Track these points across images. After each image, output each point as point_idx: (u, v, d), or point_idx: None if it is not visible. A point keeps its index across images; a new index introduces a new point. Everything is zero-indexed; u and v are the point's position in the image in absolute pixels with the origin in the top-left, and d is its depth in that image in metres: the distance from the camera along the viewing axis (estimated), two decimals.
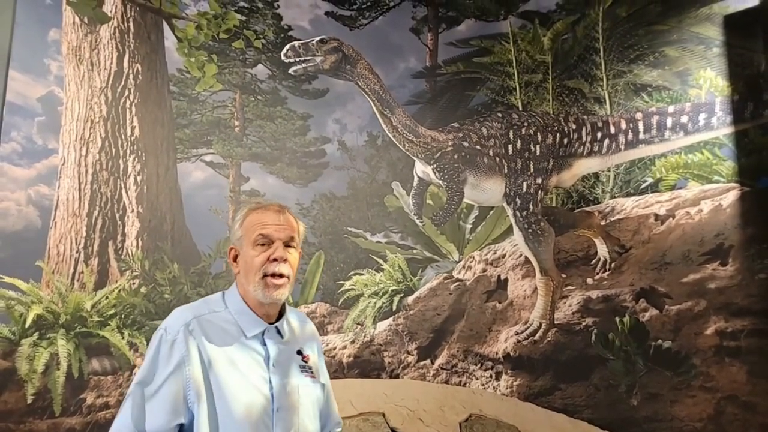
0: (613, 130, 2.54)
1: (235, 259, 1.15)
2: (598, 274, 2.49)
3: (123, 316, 2.63)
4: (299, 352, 1.16)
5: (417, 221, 2.85)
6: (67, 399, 2.46)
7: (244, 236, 1.13)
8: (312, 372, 1.17)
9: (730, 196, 2.25)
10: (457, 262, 2.89)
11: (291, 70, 2.61)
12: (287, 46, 2.58)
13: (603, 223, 2.53)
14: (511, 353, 2.50)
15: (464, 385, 2.59)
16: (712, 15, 2.38)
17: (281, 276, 1.09)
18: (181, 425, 1.00)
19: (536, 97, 2.80)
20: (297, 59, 2.57)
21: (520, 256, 2.67)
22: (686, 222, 2.32)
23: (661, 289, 2.30)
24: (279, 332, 1.14)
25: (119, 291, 2.66)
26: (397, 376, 2.73)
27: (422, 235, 2.92)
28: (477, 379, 2.58)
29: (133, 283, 2.71)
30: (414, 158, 2.73)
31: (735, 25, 2.34)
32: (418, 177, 2.81)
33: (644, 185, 2.48)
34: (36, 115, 2.68)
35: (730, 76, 2.31)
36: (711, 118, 2.33)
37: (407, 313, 2.80)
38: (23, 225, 2.60)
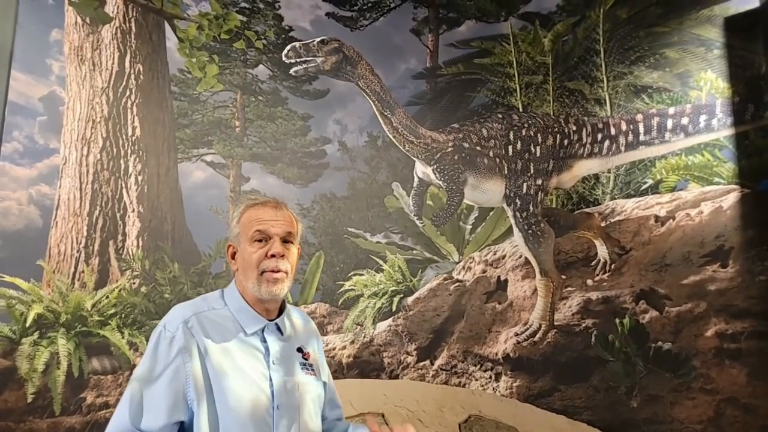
0: (613, 131, 2.54)
1: (233, 257, 1.15)
2: (598, 275, 2.49)
3: (123, 315, 2.63)
4: (300, 350, 1.15)
5: (417, 222, 2.85)
6: (67, 398, 2.46)
7: (241, 233, 1.12)
8: (313, 369, 1.16)
9: (731, 198, 2.25)
10: (457, 263, 2.89)
11: (292, 71, 2.61)
12: (288, 47, 2.59)
13: (603, 224, 2.52)
14: (511, 354, 2.50)
15: (464, 386, 2.59)
16: (713, 17, 2.37)
17: (279, 271, 1.08)
18: (182, 423, 0.99)
19: (536, 99, 2.81)
20: (298, 60, 2.58)
21: (520, 257, 2.67)
22: (686, 223, 2.32)
23: (661, 290, 2.30)
24: (279, 329, 1.13)
25: (120, 290, 2.67)
26: (396, 377, 2.73)
27: (422, 236, 2.92)
28: (476, 380, 2.58)
29: (134, 283, 2.72)
30: (414, 159, 2.73)
31: (736, 26, 2.34)
32: (418, 178, 2.81)
33: (644, 187, 2.48)
34: (38, 115, 2.69)
35: (730, 78, 2.31)
36: (711, 119, 2.33)
37: (407, 314, 2.80)
38: (24, 224, 2.61)
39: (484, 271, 2.78)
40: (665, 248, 2.34)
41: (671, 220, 2.37)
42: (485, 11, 2.98)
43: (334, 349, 2.83)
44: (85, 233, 2.75)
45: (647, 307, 2.31)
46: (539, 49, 2.82)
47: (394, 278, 2.86)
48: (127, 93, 2.90)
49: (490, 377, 2.55)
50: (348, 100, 3.10)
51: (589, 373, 2.35)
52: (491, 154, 2.64)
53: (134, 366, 2.59)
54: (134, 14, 2.95)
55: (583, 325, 2.41)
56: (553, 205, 2.71)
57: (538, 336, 2.47)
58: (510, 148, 2.63)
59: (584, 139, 2.60)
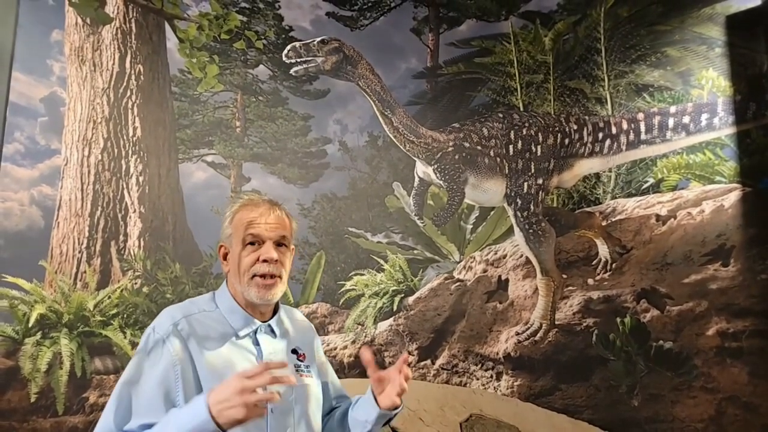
0: (614, 130, 2.54)
1: (225, 257, 1.12)
2: (599, 274, 2.49)
3: (125, 315, 2.64)
4: (294, 351, 1.13)
5: (418, 222, 2.85)
6: (70, 398, 2.48)
7: (233, 234, 1.09)
8: (309, 371, 1.13)
9: (732, 197, 2.24)
10: (458, 263, 2.89)
11: (292, 71, 2.61)
12: (288, 47, 2.59)
13: (604, 223, 2.52)
14: (512, 353, 2.50)
15: (465, 386, 2.59)
16: (715, 15, 2.37)
17: (272, 276, 1.06)
18: None
19: (537, 98, 2.80)
20: (298, 60, 2.58)
21: (521, 256, 2.67)
22: (688, 222, 2.32)
23: (662, 289, 2.30)
24: (272, 330, 1.11)
25: (121, 291, 2.67)
26: None
27: (423, 236, 2.92)
28: (477, 379, 2.58)
29: (136, 283, 2.73)
30: (415, 159, 2.73)
31: (737, 25, 2.33)
32: (419, 177, 2.81)
33: (646, 186, 2.48)
34: (39, 116, 2.70)
35: (732, 77, 2.30)
36: (713, 118, 2.32)
37: (408, 314, 2.81)
38: (26, 225, 2.62)
39: (485, 271, 2.78)
40: (666, 247, 2.34)
41: (672, 219, 2.37)
42: (486, 10, 2.97)
43: (335, 348, 2.84)
44: (86, 234, 2.76)
45: (648, 306, 2.31)
46: (540, 48, 2.81)
47: (395, 278, 2.86)
48: (128, 93, 2.90)
49: (491, 376, 2.55)
50: (348, 99, 3.10)
51: (590, 372, 2.35)
52: (492, 153, 2.64)
53: None
54: (134, 15, 2.95)
55: (584, 324, 2.41)
56: (554, 205, 2.71)
57: (539, 335, 2.47)
58: (511, 147, 2.63)
59: (585, 138, 2.59)
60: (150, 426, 0.94)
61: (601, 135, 2.56)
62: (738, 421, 2.09)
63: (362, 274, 2.89)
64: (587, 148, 2.59)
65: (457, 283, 2.80)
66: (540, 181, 2.59)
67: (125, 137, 2.86)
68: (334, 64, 2.58)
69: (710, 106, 2.33)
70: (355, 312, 2.87)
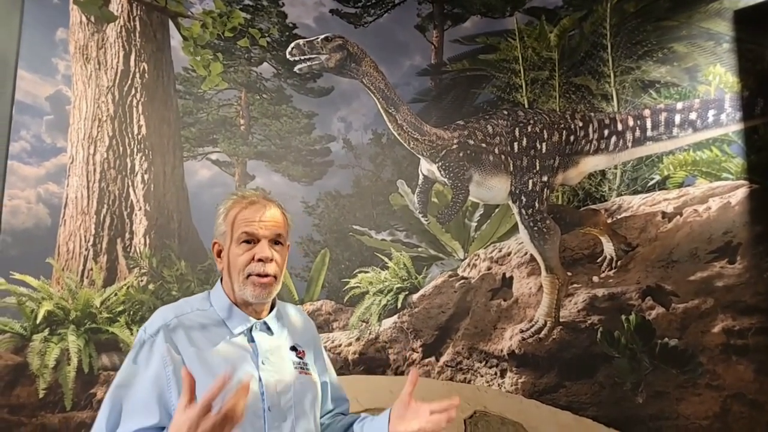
0: (620, 127, 2.52)
1: (219, 254, 1.10)
2: (604, 272, 2.48)
3: (132, 312, 2.66)
4: (293, 348, 1.11)
5: (422, 219, 2.84)
6: (77, 394, 2.50)
7: (227, 232, 1.07)
8: (308, 369, 1.11)
9: (739, 194, 2.22)
10: (462, 260, 2.89)
11: (296, 69, 2.61)
12: (292, 44, 2.58)
13: (609, 221, 2.51)
14: (516, 351, 2.50)
15: (469, 383, 2.60)
16: (723, 10, 2.34)
17: (267, 276, 1.04)
18: (163, 429, 0.93)
19: (542, 95, 2.78)
20: (302, 57, 2.57)
21: (526, 254, 2.66)
22: (694, 220, 2.30)
23: (667, 287, 2.29)
24: (268, 328, 1.09)
25: (128, 288, 2.69)
26: (402, 373, 2.74)
27: (427, 233, 2.92)
28: (482, 376, 2.59)
29: (142, 280, 2.75)
30: (419, 156, 2.73)
31: (745, 20, 2.30)
32: (423, 175, 2.81)
33: (652, 183, 2.46)
34: (44, 114, 2.71)
35: (740, 72, 2.28)
36: (720, 114, 2.30)
37: (412, 311, 2.81)
38: (33, 223, 2.64)
39: (489, 268, 2.78)
40: (672, 244, 2.33)
41: (678, 217, 2.35)
42: (490, 6, 2.95)
43: (339, 345, 2.85)
44: (93, 231, 2.78)
45: (653, 303, 2.30)
46: (545, 45, 2.79)
47: (399, 275, 2.86)
48: (133, 92, 2.91)
49: (496, 374, 2.55)
50: (352, 97, 3.09)
51: (595, 369, 2.35)
52: (496, 151, 2.63)
53: None
54: (138, 12, 2.95)
55: (589, 321, 2.40)
56: (559, 202, 2.70)
57: (543, 333, 2.47)
58: (515, 144, 2.62)
59: (590, 135, 2.58)
60: None
61: (606, 132, 2.54)
62: (743, 419, 2.08)
63: (366, 272, 2.89)
64: (593, 145, 2.57)
65: (462, 281, 2.80)
66: (545, 179, 2.58)
67: (130, 135, 2.88)
68: (338, 62, 2.57)
69: (717, 102, 2.31)
70: (360, 309, 2.87)
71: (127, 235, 2.83)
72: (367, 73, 2.60)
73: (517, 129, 2.63)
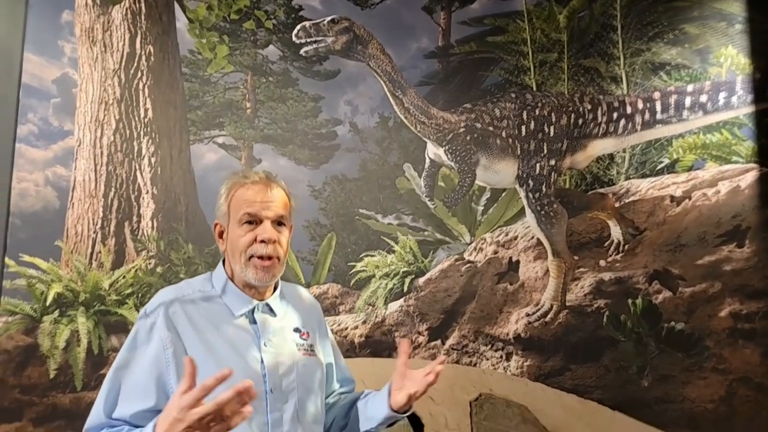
0: (629, 110, 2.49)
1: (221, 236, 1.09)
2: (611, 256, 2.48)
3: (140, 295, 2.68)
4: (297, 330, 1.10)
5: (428, 203, 2.84)
6: (88, 374, 2.54)
7: (229, 213, 1.05)
8: (312, 350, 1.10)
9: (749, 177, 2.21)
10: (469, 244, 2.89)
11: (302, 51, 2.59)
12: (298, 27, 2.56)
13: (617, 204, 2.50)
14: (522, 334, 2.51)
15: (475, 366, 2.61)
16: None
17: (269, 258, 1.02)
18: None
19: (551, 77, 2.75)
20: (308, 40, 2.55)
21: (532, 238, 2.66)
22: (703, 203, 2.29)
23: (675, 271, 2.28)
24: (271, 310, 1.08)
25: (136, 271, 2.72)
26: (408, 357, 2.75)
27: (433, 217, 2.92)
28: (487, 359, 2.60)
29: (149, 263, 2.77)
30: (426, 140, 2.71)
31: (758, 0, 2.26)
32: (430, 159, 2.80)
33: (660, 166, 2.44)
34: (51, 97, 2.71)
35: (752, 54, 2.25)
36: (731, 97, 2.27)
37: (418, 295, 2.82)
38: (42, 205, 2.66)
39: (495, 252, 2.78)
40: (680, 228, 2.32)
41: (687, 200, 2.34)
42: None
43: (346, 329, 2.87)
44: (101, 214, 2.79)
45: (660, 287, 2.30)
46: (554, 26, 2.76)
47: (406, 259, 2.86)
48: (139, 74, 2.90)
49: (501, 357, 2.56)
50: (359, 80, 3.06)
51: (601, 353, 2.35)
52: (504, 134, 2.61)
53: None
54: None
55: (595, 305, 2.41)
56: (567, 186, 2.68)
57: (549, 316, 2.48)
58: (523, 128, 2.60)
59: (599, 118, 2.55)
60: (137, 419, 0.92)
61: (615, 115, 2.52)
62: (749, 402, 2.09)
63: (373, 256, 2.90)
64: (601, 129, 2.55)
65: (468, 265, 2.80)
66: (552, 162, 2.56)
67: (137, 118, 2.87)
68: (344, 44, 2.55)
69: (728, 85, 2.28)
70: (366, 293, 2.88)
71: (135, 219, 2.84)
72: (374, 56, 2.58)
73: (524, 112, 2.61)
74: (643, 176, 2.48)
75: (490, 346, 2.61)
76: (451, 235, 2.92)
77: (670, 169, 2.41)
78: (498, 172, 2.63)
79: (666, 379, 2.23)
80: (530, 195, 2.56)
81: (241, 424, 0.92)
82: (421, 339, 2.77)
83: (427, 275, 2.84)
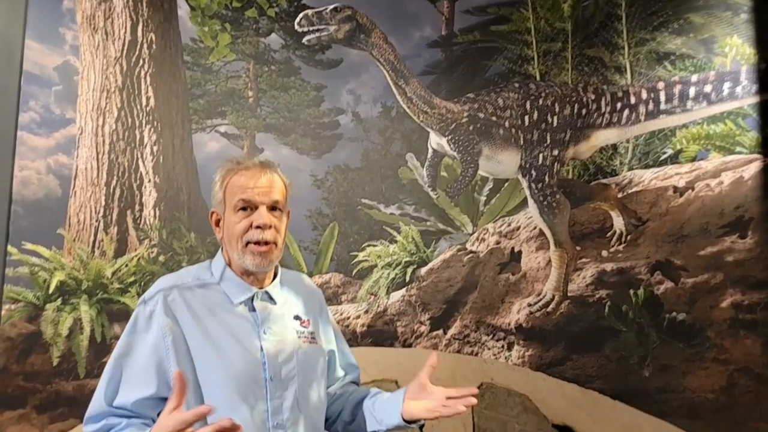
0: (633, 100, 2.48)
1: (217, 224, 1.09)
2: (613, 246, 2.48)
3: (143, 283, 2.69)
4: (297, 317, 1.10)
5: (431, 193, 2.84)
6: (91, 362, 2.55)
7: (224, 200, 1.06)
8: (313, 337, 1.10)
9: (753, 168, 2.20)
10: (471, 234, 2.89)
11: (305, 40, 2.58)
12: (300, 15, 2.54)
13: (620, 195, 2.49)
14: (524, 324, 2.51)
15: (476, 355, 2.62)
16: None
17: (266, 243, 1.02)
18: (165, 399, 0.91)
19: (555, 67, 2.74)
20: (311, 28, 2.54)
21: (535, 228, 2.65)
22: (706, 194, 2.28)
23: (677, 261, 2.29)
24: (270, 297, 1.08)
25: (138, 259, 2.72)
26: (410, 346, 2.77)
27: (436, 207, 2.91)
28: (489, 349, 2.61)
29: (152, 252, 2.77)
30: (428, 130, 2.71)
31: None
32: (433, 149, 2.79)
33: (664, 157, 2.43)
34: (53, 85, 2.70)
35: (757, 44, 2.23)
36: (736, 87, 2.26)
37: (420, 284, 2.82)
38: (44, 193, 2.66)
39: (498, 243, 2.78)
40: (683, 219, 2.31)
41: (690, 191, 2.33)
42: None
43: (348, 318, 2.88)
44: (103, 203, 2.79)
45: (662, 278, 2.30)
46: (558, 15, 2.74)
47: (408, 249, 2.87)
48: (141, 63, 2.89)
49: (503, 347, 2.57)
50: (362, 69, 3.05)
51: (602, 343, 2.36)
52: (507, 124, 2.61)
53: None
54: None
55: (597, 296, 2.41)
56: (570, 176, 2.68)
57: (551, 306, 2.48)
58: (526, 118, 2.59)
59: (603, 109, 2.54)
60: (137, 407, 0.93)
61: (619, 105, 2.51)
62: (749, 392, 2.10)
63: (375, 245, 2.90)
64: (605, 119, 2.54)
65: (470, 255, 2.81)
66: (555, 153, 2.56)
67: (139, 107, 2.87)
68: (347, 33, 2.54)
69: (733, 75, 2.27)
70: (368, 282, 2.89)
71: (137, 207, 2.84)
72: (377, 45, 2.57)
73: (528, 102, 2.60)
74: (646, 167, 2.47)
75: (491, 335, 2.62)
76: (453, 225, 2.92)
77: (674, 159, 2.41)
78: (501, 162, 2.63)
79: (667, 369, 2.24)
80: (533, 185, 2.56)
81: (242, 412, 0.94)
82: (422, 329, 2.78)
83: (429, 265, 2.84)
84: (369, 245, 2.91)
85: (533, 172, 2.55)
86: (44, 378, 2.48)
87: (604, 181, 2.55)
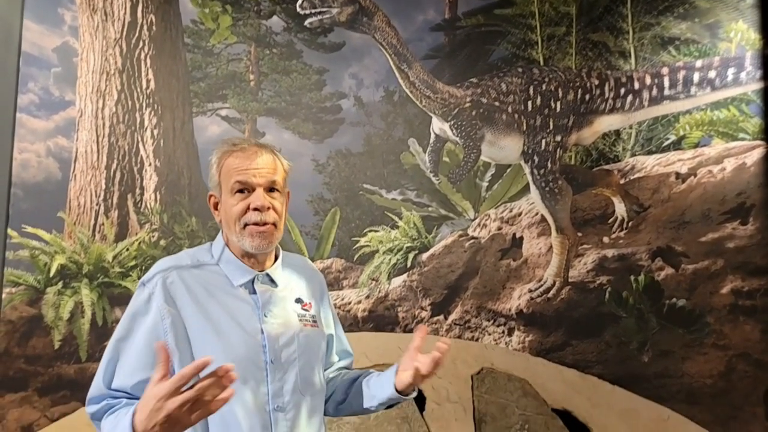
0: (637, 85, 2.47)
1: (216, 207, 1.07)
2: (614, 232, 2.48)
3: (144, 267, 2.68)
4: (298, 300, 1.09)
5: (433, 179, 2.83)
6: (92, 345, 2.55)
7: (220, 183, 1.03)
8: (314, 321, 1.08)
9: (755, 154, 2.20)
10: (473, 220, 2.89)
11: (307, 22, 2.55)
12: None
13: (622, 181, 2.49)
14: (524, 310, 2.52)
15: (477, 341, 2.63)
16: None
17: (265, 224, 1.00)
18: None
19: (558, 51, 2.72)
20: (313, 11, 2.51)
21: (536, 214, 2.65)
22: (708, 180, 2.28)
23: (678, 248, 2.29)
24: (271, 280, 1.06)
25: (139, 243, 2.71)
26: (410, 331, 2.78)
27: (438, 193, 2.91)
28: (489, 334, 2.62)
29: (153, 236, 2.76)
30: (431, 114, 2.69)
31: None
32: (435, 134, 2.78)
33: (667, 143, 2.43)
34: (52, 66, 2.67)
35: (762, 29, 2.22)
36: (740, 73, 2.25)
37: (421, 270, 2.82)
38: (44, 177, 2.64)
39: (499, 228, 2.78)
40: (685, 205, 2.32)
41: (692, 177, 2.33)
42: None
43: (349, 303, 2.88)
44: (103, 186, 2.77)
45: (663, 264, 2.31)
46: None
47: (410, 235, 2.86)
48: (141, 44, 2.85)
49: (503, 332, 2.59)
50: (364, 53, 3.01)
51: (602, 328, 2.37)
52: (510, 109, 2.59)
53: None
54: None
55: (598, 282, 2.42)
56: (573, 162, 2.67)
57: (552, 292, 2.49)
58: (529, 103, 2.58)
59: (606, 94, 2.53)
60: (136, 390, 0.92)
61: (623, 90, 2.50)
62: (747, 377, 2.12)
63: (377, 231, 2.90)
64: (608, 104, 2.53)
65: (472, 241, 2.81)
66: (558, 138, 2.55)
67: (139, 89, 2.83)
68: (349, 16, 2.52)
69: (738, 60, 2.26)
70: (370, 268, 2.89)
71: (138, 191, 2.82)
72: (379, 28, 2.55)
73: (531, 87, 2.58)
74: (649, 153, 2.47)
75: (492, 321, 2.63)
76: (455, 210, 2.91)
77: (677, 145, 2.40)
78: (503, 147, 2.62)
79: (666, 354, 2.25)
80: (535, 171, 2.55)
81: (242, 395, 0.93)
82: (423, 314, 2.79)
83: (431, 251, 2.84)
84: (370, 230, 2.91)
85: (536, 158, 2.55)
86: (46, 361, 2.48)
87: (607, 167, 2.55)
